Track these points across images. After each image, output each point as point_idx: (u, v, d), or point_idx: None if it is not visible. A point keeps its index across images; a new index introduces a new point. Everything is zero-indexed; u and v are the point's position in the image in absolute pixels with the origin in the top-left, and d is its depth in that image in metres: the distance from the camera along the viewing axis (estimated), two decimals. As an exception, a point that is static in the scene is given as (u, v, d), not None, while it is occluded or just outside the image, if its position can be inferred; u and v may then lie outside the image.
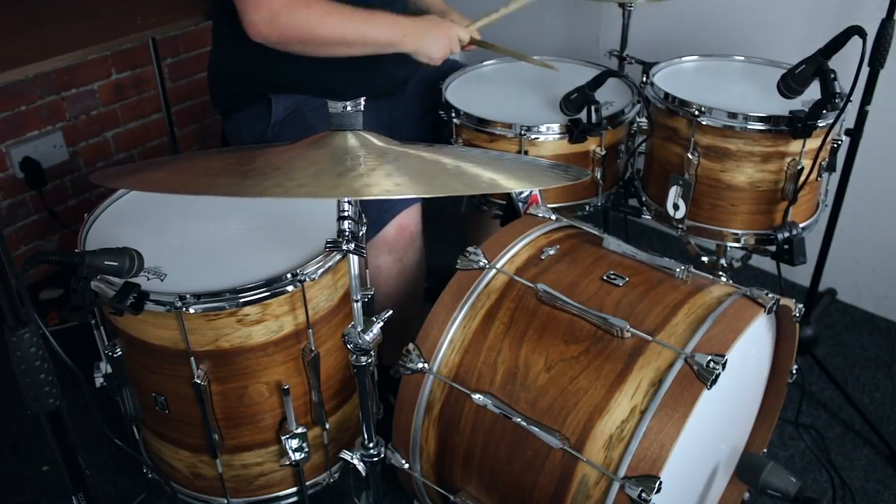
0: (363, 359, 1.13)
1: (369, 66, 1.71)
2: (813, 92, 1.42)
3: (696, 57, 1.78)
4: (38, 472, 1.80)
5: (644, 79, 1.76)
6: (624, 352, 1.18)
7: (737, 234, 1.60)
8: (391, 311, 1.13)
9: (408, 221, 1.59)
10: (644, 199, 1.74)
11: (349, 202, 1.03)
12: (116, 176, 1.07)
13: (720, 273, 1.75)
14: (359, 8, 1.57)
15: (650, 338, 1.17)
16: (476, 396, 1.23)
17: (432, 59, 1.65)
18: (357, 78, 1.70)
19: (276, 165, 0.91)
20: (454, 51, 1.68)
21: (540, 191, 1.58)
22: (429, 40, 1.62)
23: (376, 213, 1.54)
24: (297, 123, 1.68)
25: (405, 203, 1.59)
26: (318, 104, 1.69)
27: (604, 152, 1.64)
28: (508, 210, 1.61)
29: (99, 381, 1.34)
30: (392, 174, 0.89)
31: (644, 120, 1.69)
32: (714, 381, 1.09)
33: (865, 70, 1.55)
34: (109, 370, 1.33)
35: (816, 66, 1.39)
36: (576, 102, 1.58)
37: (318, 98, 1.69)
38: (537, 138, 1.59)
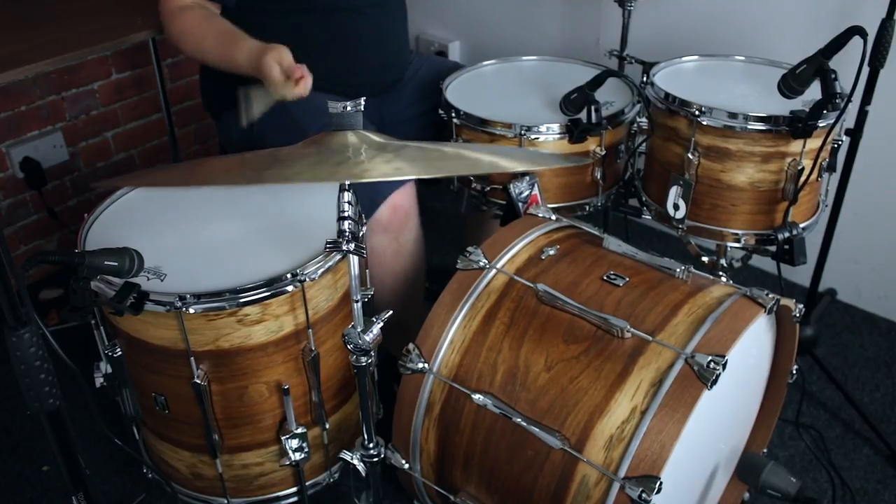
0: (363, 359, 1.13)
1: (344, 65, 1.72)
2: (813, 92, 1.41)
3: (696, 57, 1.78)
4: (38, 472, 1.79)
5: (644, 79, 1.76)
6: (624, 352, 1.18)
7: (737, 234, 1.60)
8: (391, 311, 1.13)
9: (401, 201, 1.59)
10: (644, 199, 1.74)
11: (349, 202, 1.03)
12: (118, 180, 1.07)
13: (720, 273, 1.74)
14: (218, 28, 1.59)
15: (650, 338, 1.17)
16: (476, 396, 1.23)
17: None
18: (334, 75, 1.70)
19: (277, 160, 0.92)
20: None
21: (540, 190, 1.58)
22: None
23: (369, 196, 1.54)
24: (281, 117, 1.67)
25: (397, 182, 1.58)
26: None
27: (604, 152, 1.64)
28: (508, 210, 1.61)
29: (99, 381, 1.34)
30: (392, 160, 0.89)
31: (644, 120, 1.69)
32: (714, 382, 1.09)
33: (866, 70, 1.55)
34: (109, 370, 1.33)
35: (817, 66, 1.38)
36: (576, 102, 1.58)
37: None
38: (537, 138, 1.59)
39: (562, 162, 1.10)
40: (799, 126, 1.44)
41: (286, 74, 1.41)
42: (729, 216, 1.58)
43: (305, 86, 1.41)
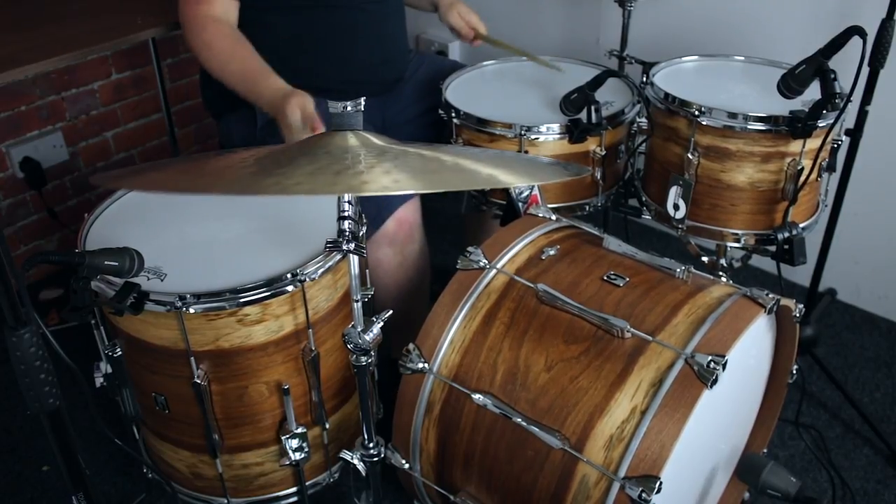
0: (363, 359, 1.13)
1: (345, 61, 1.72)
2: (813, 92, 1.41)
3: (696, 57, 1.78)
4: (38, 472, 1.79)
5: (644, 79, 1.76)
6: (624, 352, 1.18)
7: (737, 234, 1.60)
8: (391, 311, 1.13)
9: (406, 215, 1.61)
10: (644, 199, 1.74)
11: (349, 202, 1.03)
12: (116, 178, 1.07)
13: (720, 273, 1.75)
14: (245, 56, 1.58)
15: (650, 338, 1.17)
16: (476, 396, 1.23)
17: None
18: (335, 72, 1.71)
19: (276, 164, 0.91)
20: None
21: (540, 191, 1.58)
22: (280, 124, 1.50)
23: (375, 210, 1.56)
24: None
25: (403, 197, 1.60)
26: None
27: (604, 152, 1.64)
28: (508, 210, 1.61)
29: (99, 381, 1.34)
30: (390, 171, 0.89)
31: (644, 120, 1.69)
32: (714, 382, 1.09)
33: (865, 70, 1.55)
34: (109, 370, 1.33)
35: (816, 66, 1.38)
36: (576, 102, 1.58)
37: None
38: (537, 138, 1.59)
39: (562, 175, 1.10)
40: (798, 126, 1.44)
41: (305, 122, 1.42)
42: (729, 216, 1.58)
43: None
